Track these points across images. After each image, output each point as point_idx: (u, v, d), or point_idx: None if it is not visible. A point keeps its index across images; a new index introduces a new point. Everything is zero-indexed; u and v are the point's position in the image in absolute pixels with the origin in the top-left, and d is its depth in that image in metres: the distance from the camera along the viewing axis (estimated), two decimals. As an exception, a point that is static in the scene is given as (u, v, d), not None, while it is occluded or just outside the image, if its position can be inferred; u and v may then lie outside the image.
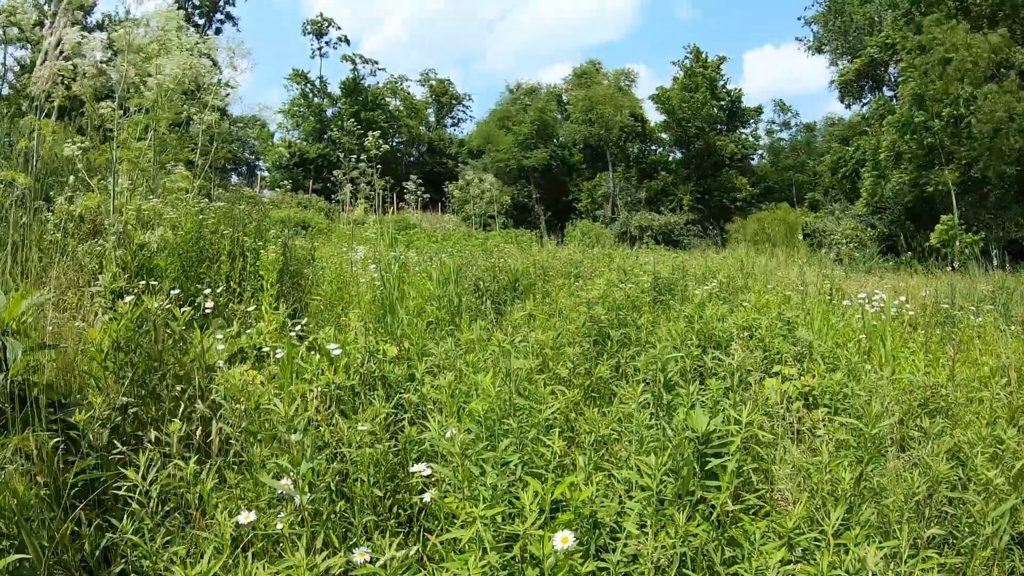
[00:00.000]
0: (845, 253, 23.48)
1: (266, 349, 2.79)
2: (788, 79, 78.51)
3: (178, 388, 2.40)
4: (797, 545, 1.69)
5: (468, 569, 1.54)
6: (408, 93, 50.22)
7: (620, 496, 1.94)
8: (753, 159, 43.07)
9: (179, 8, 5.39)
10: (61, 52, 3.73)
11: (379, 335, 3.30)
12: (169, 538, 1.82)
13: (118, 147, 4.17)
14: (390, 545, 1.55)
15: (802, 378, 2.83)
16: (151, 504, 1.81)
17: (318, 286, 4.66)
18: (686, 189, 38.55)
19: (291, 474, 1.82)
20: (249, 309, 3.69)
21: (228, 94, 5.97)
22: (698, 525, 1.75)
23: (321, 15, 46.47)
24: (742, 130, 41.83)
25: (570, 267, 6.31)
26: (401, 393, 2.62)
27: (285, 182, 33.71)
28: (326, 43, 46.87)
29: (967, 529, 1.81)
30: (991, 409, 2.55)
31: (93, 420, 2.05)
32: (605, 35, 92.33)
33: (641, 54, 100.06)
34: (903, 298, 5.59)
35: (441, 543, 1.75)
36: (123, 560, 1.81)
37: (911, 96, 22.90)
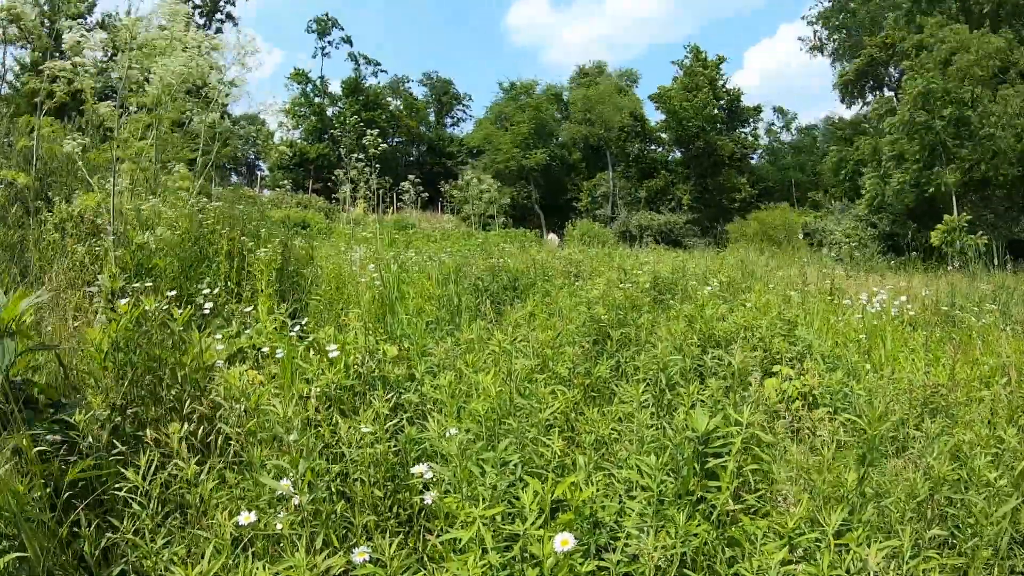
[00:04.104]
0: (846, 253, 23.46)
1: (266, 349, 2.78)
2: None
3: (177, 388, 2.39)
4: (798, 545, 1.68)
5: (468, 569, 1.54)
6: (409, 93, 50.26)
7: (620, 496, 1.94)
8: (753, 159, 43.10)
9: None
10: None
11: (379, 335, 3.30)
12: (169, 538, 1.82)
13: (118, 146, 4.16)
14: (390, 545, 1.55)
15: (802, 378, 2.82)
16: (151, 504, 1.81)
17: (317, 286, 4.66)
18: (686, 188, 38.54)
19: (291, 474, 1.82)
20: (248, 309, 3.69)
21: (229, 93, 5.95)
22: (698, 525, 1.75)
23: (327, 14, 46.57)
24: (742, 129, 41.84)
25: (570, 267, 6.31)
26: (401, 393, 2.62)
27: (285, 182, 33.71)
28: (328, 42, 46.92)
29: (968, 529, 1.81)
30: (992, 409, 2.54)
31: (92, 420, 2.05)
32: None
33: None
34: (904, 298, 5.58)
35: (441, 543, 1.74)
36: (123, 560, 1.81)
37: (917, 96, 22.78)
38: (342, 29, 48.19)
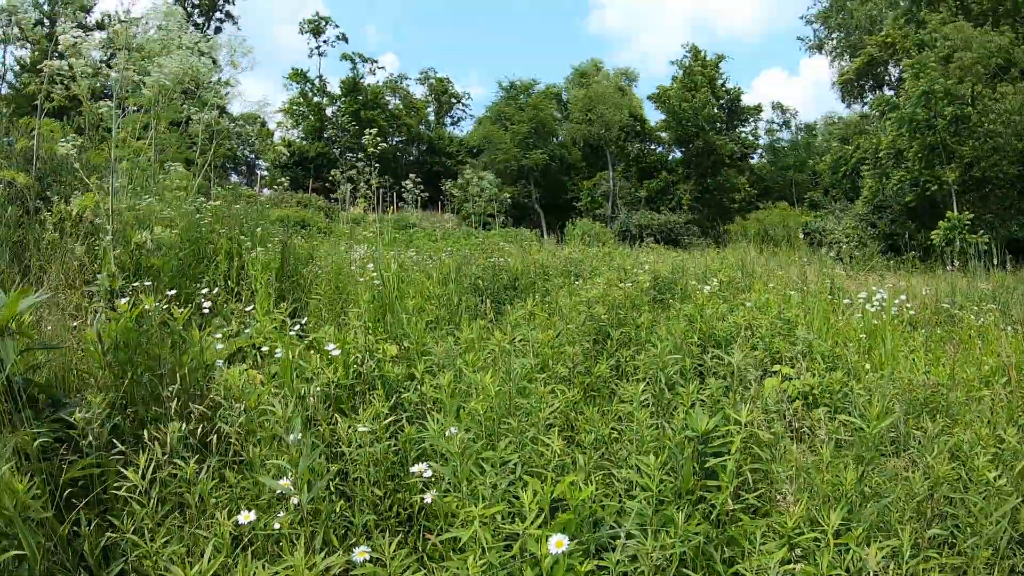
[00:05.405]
0: (845, 252, 23.46)
1: (265, 348, 2.78)
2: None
3: (177, 387, 2.39)
4: (797, 545, 1.68)
5: (468, 568, 1.54)
6: (408, 92, 50.17)
7: (620, 495, 1.94)
8: (753, 158, 43.08)
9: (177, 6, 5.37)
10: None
11: (378, 334, 3.30)
12: (169, 537, 1.82)
13: (116, 146, 4.15)
14: (390, 545, 1.55)
15: (802, 377, 2.82)
16: (151, 503, 1.81)
17: (317, 285, 4.66)
18: (686, 188, 38.52)
19: (290, 473, 1.82)
20: (247, 308, 3.68)
21: (228, 92, 5.96)
22: (698, 524, 1.75)
23: (317, 14, 46.46)
24: (741, 129, 41.80)
25: (570, 266, 6.31)
26: (401, 392, 2.62)
27: (283, 180, 33.69)
28: (324, 42, 46.82)
29: (968, 529, 1.81)
30: (992, 408, 2.54)
31: (92, 419, 2.05)
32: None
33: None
34: (903, 297, 5.59)
35: (441, 542, 1.74)
36: (123, 559, 1.81)
37: (921, 94, 22.72)
38: (337, 27, 48.01)
